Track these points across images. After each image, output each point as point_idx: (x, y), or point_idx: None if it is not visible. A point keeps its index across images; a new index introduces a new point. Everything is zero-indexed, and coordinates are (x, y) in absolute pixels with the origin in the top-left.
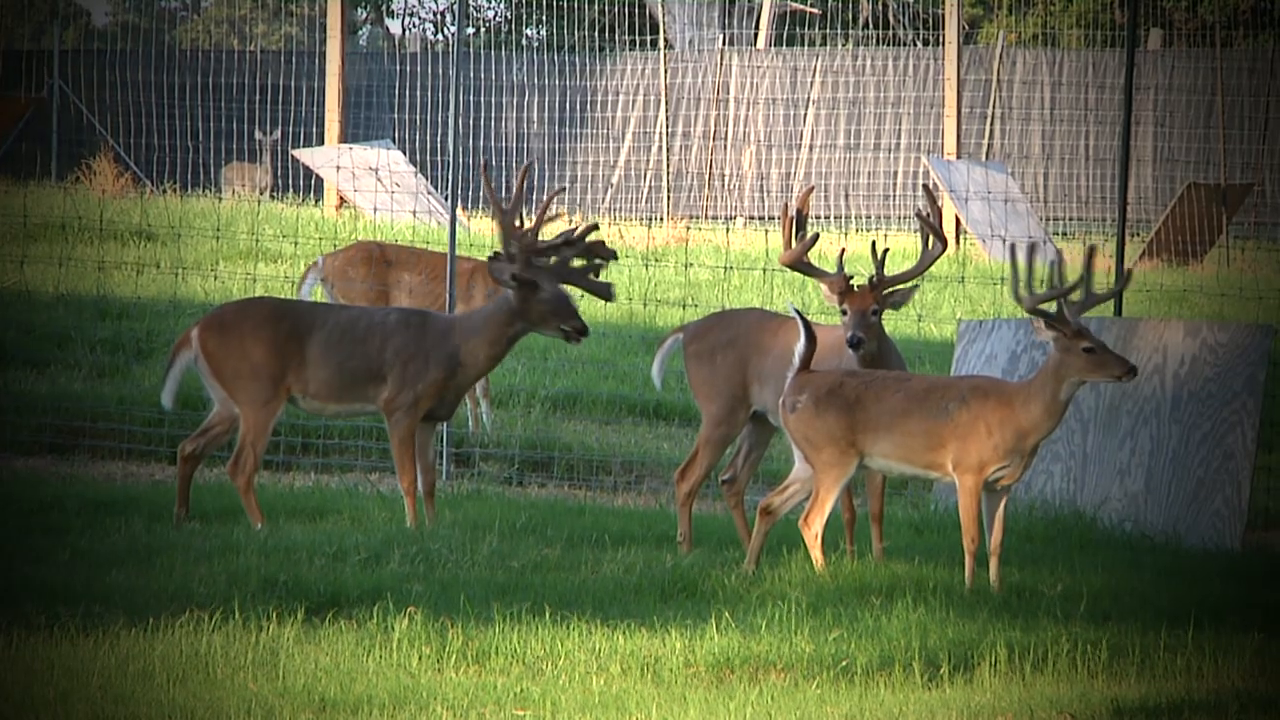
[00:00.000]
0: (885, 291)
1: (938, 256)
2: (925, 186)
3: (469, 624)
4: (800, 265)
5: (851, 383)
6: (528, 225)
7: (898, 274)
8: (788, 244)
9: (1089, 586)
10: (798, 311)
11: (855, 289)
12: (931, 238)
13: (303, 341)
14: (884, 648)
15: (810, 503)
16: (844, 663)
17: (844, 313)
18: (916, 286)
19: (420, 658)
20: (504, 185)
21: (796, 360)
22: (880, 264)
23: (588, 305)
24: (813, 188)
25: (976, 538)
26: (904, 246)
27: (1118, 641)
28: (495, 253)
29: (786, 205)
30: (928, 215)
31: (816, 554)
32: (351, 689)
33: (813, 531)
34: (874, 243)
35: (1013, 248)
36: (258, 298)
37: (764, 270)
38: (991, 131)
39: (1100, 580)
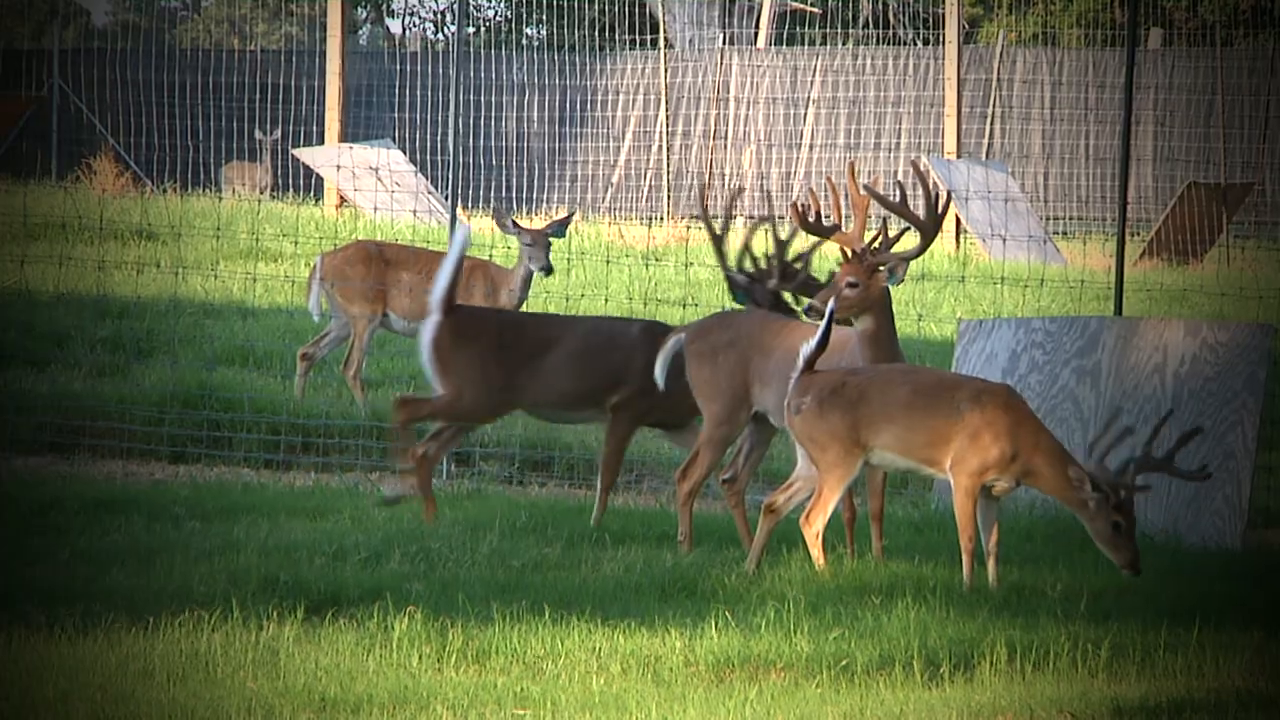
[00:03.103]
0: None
1: (927, 239)
2: (923, 178)
3: (469, 623)
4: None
5: (855, 380)
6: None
7: (896, 252)
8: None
9: (1089, 585)
10: (832, 313)
11: (846, 260)
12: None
13: (537, 356)
14: (884, 647)
15: (812, 502)
16: (844, 662)
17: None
18: (906, 260)
19: (420, 657)
20: (502, 184)
21: (801, 361)
22: (887, 242)
23: (589, 304)
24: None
25: (974, 537)
26: (902, 246)
27: (1118, 640)
28: (745, 271)
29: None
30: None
31: (817, 553)
32: (352, 688)
33: (814, 530)
34: (885, 219)
35: (1117, 422)
36: (493, 309)
37: None
38: (992, 131)
39: (1100, 579)
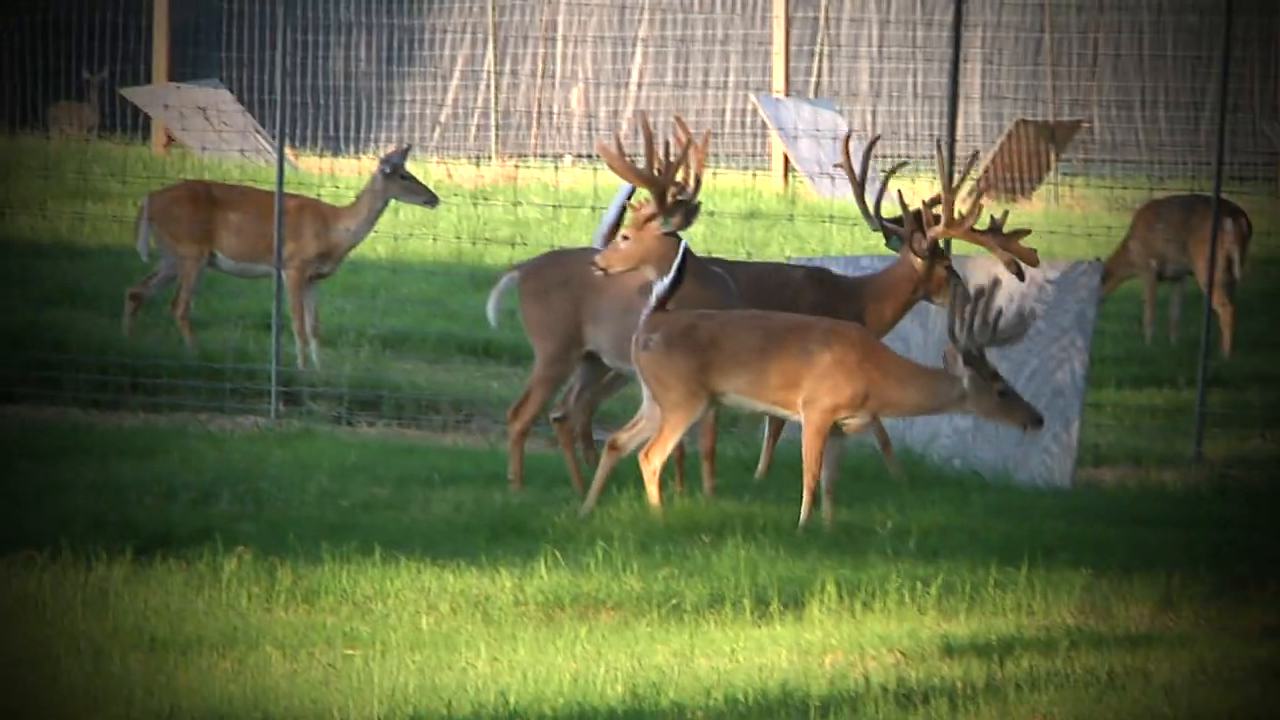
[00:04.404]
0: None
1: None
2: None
3: (298, 563)
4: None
5: (705, 324)
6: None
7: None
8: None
9: (919, 524)
10: (684, 253)
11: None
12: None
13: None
14: (714, 585)
15: (653, 439)
16: (674, 600)
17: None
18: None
19: (249, 597)
20: (330, 123)
21: (653, 299)
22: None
23: (417, 244)
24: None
25: (818, 476)
26: (731, 185)
27: (947, 579)
28: (915, 214)
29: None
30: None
31: (653, 490)
32: (181, 629)
33: (652, 467)
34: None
35: (961, 292)
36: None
37: (593, 209)
38: (820, 69)
39: (930, 517)
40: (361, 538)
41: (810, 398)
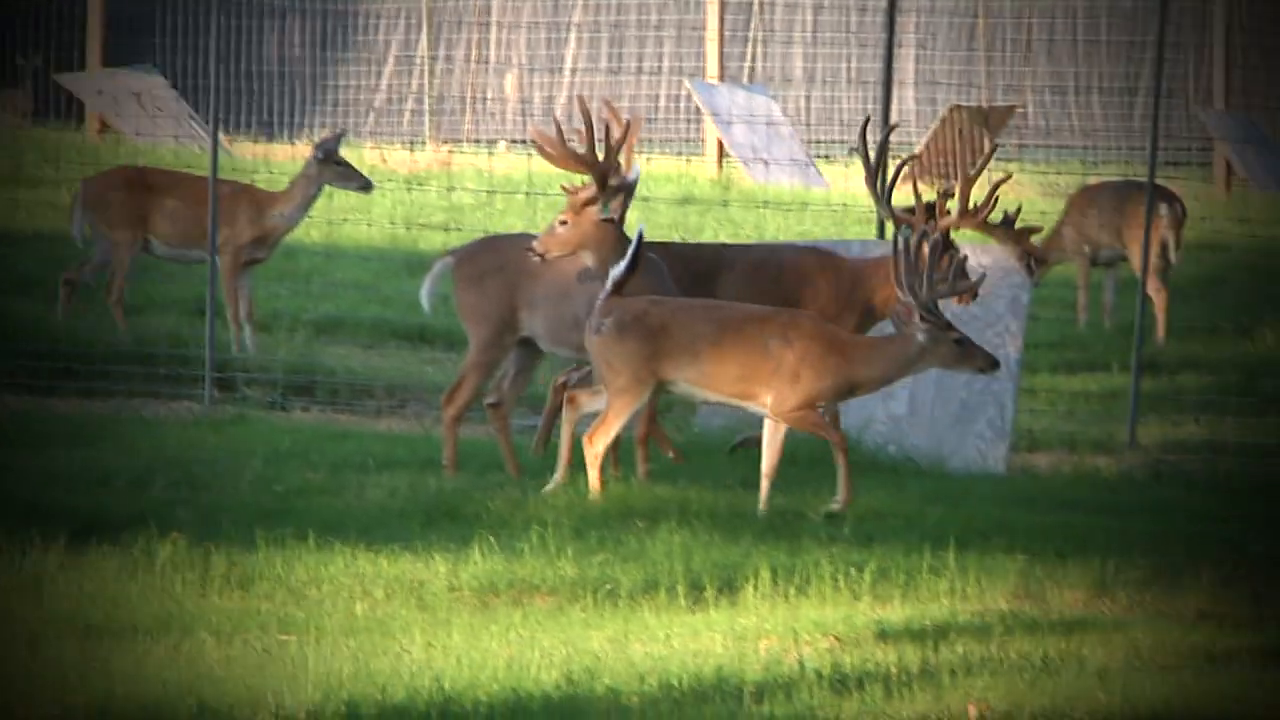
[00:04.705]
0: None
1: None
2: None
3: (233, 549)
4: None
5: (657, 311)
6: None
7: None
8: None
9: (853, 509)
10: (640, 237)
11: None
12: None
13: (715, 281)
14: (648, 570)
15: (597, 422)
16: (608, 585)
17: None
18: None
19: (184, 583)
20: (264, 108)
21: (609, 284)
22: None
23: (351, 229)
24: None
25: (841, 441)
26: (665, 170)
27: (882, 564)
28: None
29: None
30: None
31: (594, 474)
32: (116, 615)
33: (594, 451)
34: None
35: (904, 242)
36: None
37: (527, 194)
38: (754, 54)
39: (864, 503)
40: (296, 523)
41: (781, 397)
